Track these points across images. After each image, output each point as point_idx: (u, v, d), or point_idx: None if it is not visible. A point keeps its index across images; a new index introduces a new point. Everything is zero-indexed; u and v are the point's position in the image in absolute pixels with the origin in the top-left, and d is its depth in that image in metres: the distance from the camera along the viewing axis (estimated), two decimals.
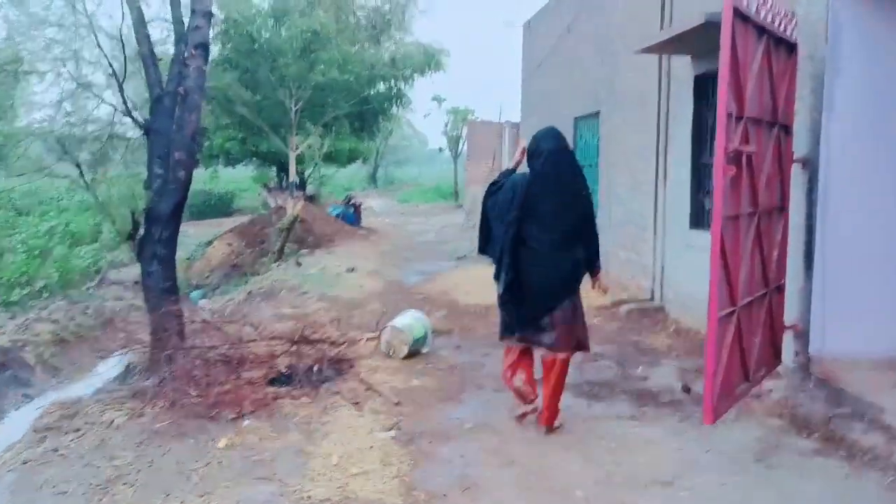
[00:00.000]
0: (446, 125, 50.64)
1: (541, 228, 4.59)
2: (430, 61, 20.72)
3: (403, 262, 14.65)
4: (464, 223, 24.47)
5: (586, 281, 4.94)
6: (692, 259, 7.50)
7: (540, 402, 4.87)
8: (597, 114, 10.88)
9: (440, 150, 53.93)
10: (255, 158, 36.28)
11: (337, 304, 10.05)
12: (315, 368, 6.07)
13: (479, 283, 9.75)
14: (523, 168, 4.89)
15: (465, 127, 43.45)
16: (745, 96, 4.35)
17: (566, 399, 5.37)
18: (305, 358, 6.29)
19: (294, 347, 6.37)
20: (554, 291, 4.65)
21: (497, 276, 4.85)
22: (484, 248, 5.07)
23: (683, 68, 7.73)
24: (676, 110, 7.97)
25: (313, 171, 29.14)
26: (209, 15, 9.20)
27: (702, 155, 7.50)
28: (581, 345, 4.82)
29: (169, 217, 9.17)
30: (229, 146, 29.88)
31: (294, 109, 19.65)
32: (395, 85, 21.39)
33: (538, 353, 4.82)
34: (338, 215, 22.78)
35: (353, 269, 13.07)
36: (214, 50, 19.12)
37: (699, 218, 7.55)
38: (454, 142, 50.77)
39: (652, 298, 8.55)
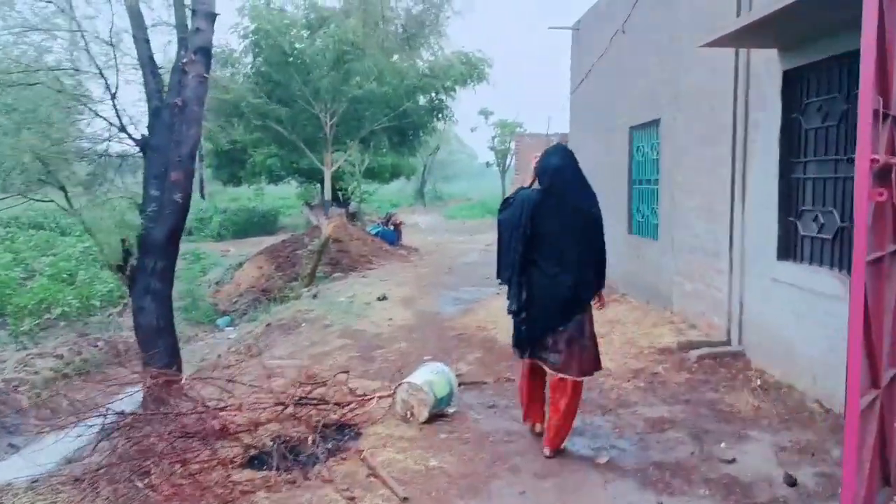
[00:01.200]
0: (493, 139, 49.58)
1: (548, 247, 4.57)
2: (471, 72, 19.54)
3: (441, 288, 13.40)
4: None
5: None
6: (780, 296, 6.09)
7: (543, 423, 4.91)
8: (656, 122, 9.50)
9: (487, 164, 52.80)
10: (297, 175, 35.79)
11: (360, 340, 8.85)
12: (310, 439, 4.85)
13: None
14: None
15: (512, 141, 42.25)
16: (895, 88, 3.00)
17: (630, 494, 4.06)
18: (300, 423, 5.08)
19: (287, 410, 5.15)
20: (560, 310, 4.63)
21: (509, 294, 4.85)
22: (500, 272, 4.96)
23: (767, 64, 6.34)
24: (758, 115, 6.57)
25: (355, 188, 28.19)
26: (212, 16, 8.13)
27: (793, 169, 6.08)
28: (590, 368, 4.75)
29: (164, 245, 8.11)
30: (270, 163, 29.18)
31: (329, 124, 18.66)
32: (436, 97, 20.25)
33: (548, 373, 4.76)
34: (377, 234, 21.68)
35: (384, 298, 11.90)
36: (245, 63, 18.28)
37: (789, 246, 6.13)
38: (502, 156, 49.59)
39: (728, 341, 7.12)
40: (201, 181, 46.67)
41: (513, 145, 40.77)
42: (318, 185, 32.93)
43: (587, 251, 4.71)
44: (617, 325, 8.62)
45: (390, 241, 21.45)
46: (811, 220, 5.82)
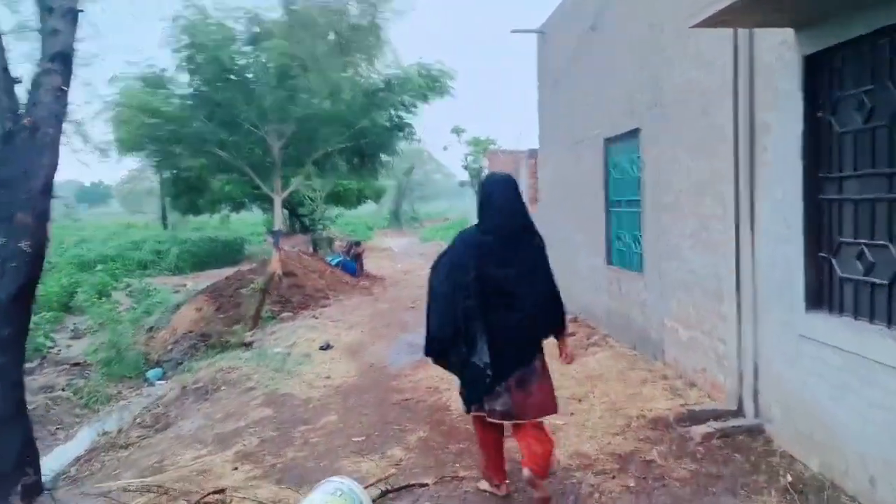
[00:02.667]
0: (467, 157, 48.14)
1: (499, 290, 4.18)
2: (432, 84, 17.97)
3: (398, 329, 11.74)
4: None
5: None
6: (812, 359, 4.50)
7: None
8: (635, 133, 7.96)
9: (461, 184, 51.29)
10: (259, 202, 34.04)
11: (283, 410, 7.19)
12: None
13: None
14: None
15: (485, 158, 40.83)
16: None
17: None
18: None
19: None
20: (520, 356, 4.26)
21: (453, 352, 4.34)
22: (433, 340, 4.49)
23: (780, 48, 4.80)
24: (768, 117, 5.02)
25: (317, 214, 26.52)
26: (73, 14, 6.44)
27: (822, 187, 4.52)
28: (546, 410, 4.31)
29: (7, 308, 6.37)
30: (229, 190, 27.49)
31: (277, 147, 17.00)
32: (395, 114, 18.64)
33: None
34: (337, 265, 20.01)
35: (328, 347, 10.24)
36: (181, 83, 16.62)
37: (822, 292, 4.55)
38: (476, 174, 48.13)
39: (739, 411, 5.51)
40: (163, 210, 44.91)
41: (486, 163, 39.27)
42: (287, 211, 31.35)
43: (540, 288, 4.30)
44: (598, 383, 7.00)
45: (352, 273, 19.79)
46: (853, 258, 4.24)
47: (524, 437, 4.23)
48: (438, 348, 4.42)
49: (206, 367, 9.62)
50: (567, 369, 7.63)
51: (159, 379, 13.00)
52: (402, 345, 10.29)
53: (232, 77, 16.22)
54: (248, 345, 12.47)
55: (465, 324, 4.17)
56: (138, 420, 8.65)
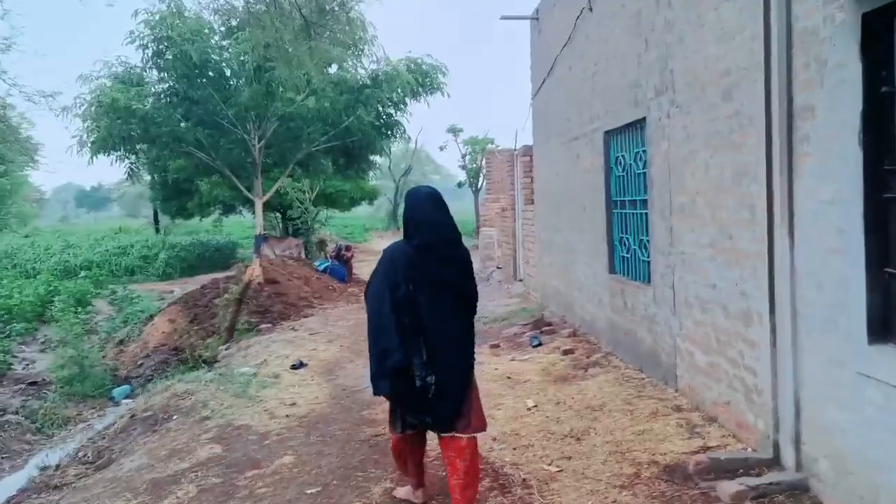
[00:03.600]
0: (464, 157, 47.12)
1: (431, 305, 4.09)
2: (423, 80, 16.96)
3: None
4: (479, 271, 20.56)
5: None
6: (880, 405, 3.48)
7: None
8: (640, 123, 6.95)
9: (459, 184, 50.30)
10: (249, 205, 33.06)
11: (235, 448, 6.19)
12: None
13: None
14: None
15: (483, 158, 39.84)
16: None
17: None
18: None
19: None
20: (460, 372, 4.21)
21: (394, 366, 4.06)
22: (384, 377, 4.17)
23: (827, 8, 3.78)
24: (811, 98, 4.00)
25: (306, 216, 25.50)
26: None
27: (887, 182, 3.50)
28: (480, 424, 4.29)
29: None
30: (217, 193, 26.47)
31: (257, 147, 16.01)
32: (384, 111, 17.64)
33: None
34: (324, 270, 18.99)
35: (300, 365, 9.25)
36: (152, 76, 15.62)
37: (890, 321, 3.53)
38: (474, 175, 47.12)
39: (777, 460, 4.49)
40: (155, 215, 43.85)
41: (483, 163, 38.29)
42: (279, 213, 30.33)
43: (471, 300, 4.35)
44: (600, 415, 5.98)
45: (340, 279, 18.76)
46: None
47: (452, 454, 4.20)
48: (391, 378, 4.10)
49: (161, 391, 8.58)
50: (564, 396, 6.63)
51: (126, 397, 12.02)
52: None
53: (208, 73, 15.23)
54: (211, 363, 11.47)
55: (406, 343, 4.05)
56: (80, 454, 7.65)
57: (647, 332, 6.83)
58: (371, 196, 33.67)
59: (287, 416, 7.05)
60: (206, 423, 7.06)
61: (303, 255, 23.67)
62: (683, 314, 5.96)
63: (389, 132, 18.53)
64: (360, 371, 8.82)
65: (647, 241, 6.90)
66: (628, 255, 7.59)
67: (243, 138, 15.87)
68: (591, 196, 8.54)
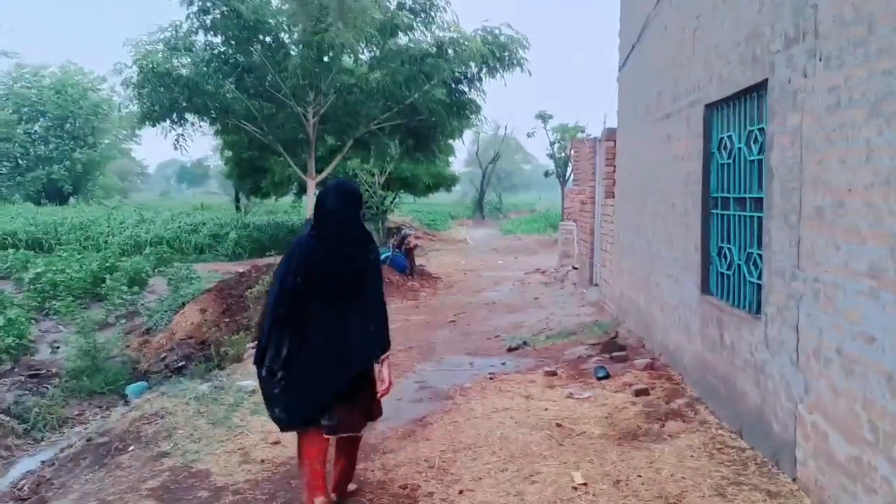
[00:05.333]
0: (553, 145, 44.77)
1: (324, 301, 4.06)
2: (500, 53, 15.05)
3: (418, 356, 9.03)
4: (556, 269, 18.58)
5: None
6: None
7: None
8: (758, 90, 4.94)
9: (546, 174, 47.94)
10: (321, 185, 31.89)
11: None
12: None
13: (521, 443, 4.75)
14: None
15: (571, 147, 37.58)
16: None
17: None
18: None
19: None
20: (342, 373, 4.12)
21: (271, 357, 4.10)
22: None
23: None
24: None
25: (373, 201, 23.98)
26: None
27: None
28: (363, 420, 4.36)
29: None
30: (291, 172, 25.34)
31: (311, 122, 14.51)
32: (456, 87, 15.82)
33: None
34: (384, 260, 17.41)
35: None
36: (200, 40, 14.30)
37: None
38: (562, 164, 44.76)
39: None
40: (236, 193, 43.40)
41: (571, 152, 36.07)
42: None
43: (369, 302, 4.20)
44: None
45: (400, 270, 17.14)
46: None
47: (340, 457, 4.37)
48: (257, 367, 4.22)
49: (128, 411, 7.12)
50: (629, 470, 4.70)
51: (138, 396, 10.73)
52: (412, 385, 7.55)
53: (260, 37, 13.79)
54: (234, 361, 10.05)
55: (272, 332, 4.07)
56: (21, 484, 6.24)
57: (753, 385, 4.83)
58: (449, 182, 31.87)
59: (263, 461, 5.41)
60: (159, 463, 5.50)
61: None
62: (813, 372, 3.96)
63: (463, 112, 16.67)
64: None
65: (760, 256, 4.90)
66: (730, 273, 5.58)
67: (297, 112, 14.38)
68: (683, 190, 6.54)
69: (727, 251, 5.65)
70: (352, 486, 4.57)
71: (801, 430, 4.11)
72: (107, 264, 20.73)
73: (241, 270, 23.47)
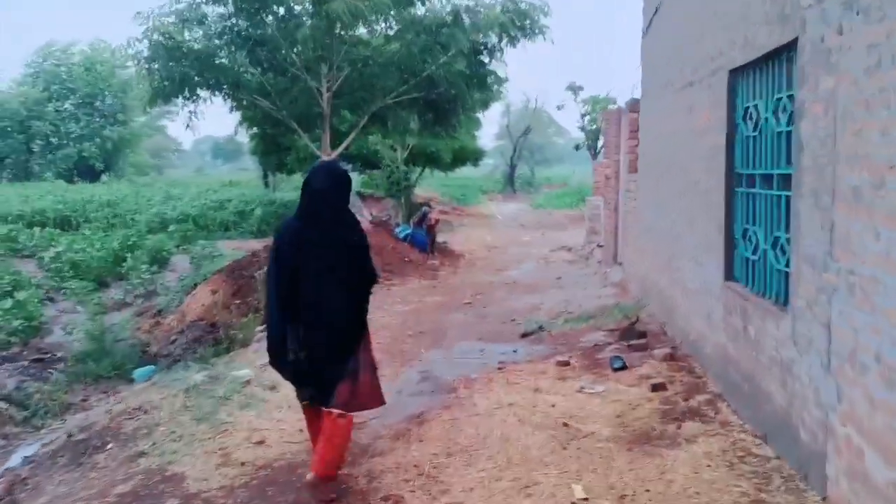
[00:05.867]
0: (583, 117, 43.78)
1: (312, 282, 4.17)
2: (520, 21, 14.39)
3: (427, 341, 8.61)
4: (582, 246, 18.00)
5: None
6: None
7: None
8: (788, 50, 4.34)
9: (577, 147, 46.96)
10: (351, 162, 31.43)
11: None
12: None
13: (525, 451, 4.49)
14: None
15: (602, 119, 36.65)
16: None
17: None
18: None
19: None
20: (335, 350, 4.25)
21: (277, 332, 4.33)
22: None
23: None
24: None
25: (395, 176, 23.46)
26: None
27: None
28: (362, 403, 4.42)
29: None
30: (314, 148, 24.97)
31: (326, 96, 14.05)
32: (476, 58, 15.20)
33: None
34: (405, 238, 16.98)
35: None
36: (213, 16, 13.86)
37: None
38: (593, 137, 43.78)
39: None
40: (264, 170, 43.10)
41: (602, 125, 35.13)
42: (376, 172, 28.53)
43: (356, 285, 4.32)
44: None
45: (421, 248, 16.70)
46: None
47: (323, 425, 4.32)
48: (269, 351, 4.47)
49: (111, 405, 6.80)
50: (637, 483, 4.18)
51: (148, 379, 10.46)
52: (415, 375, 7.11)
53: (273, 8, 13.32)
54: (243, 346, 9.72)
55: (282, 317, 4.20)
56: None
57: (779, 386, 4.29)
58: (476, 156, 31.23)
59: (243, 463, 5.02)
60: (135, 464, 5.15)
61: (398, 219, 21.80)
62: (846, 377, 3.42)
63: (484, 84, 16.06)
64: (390, 379, 6.70)
65: (788, 241, 4.33)
66: (756, 258, 5.01)
67: (311, 86, 13.91)
68: (706, 166, 5.96)
69: (753, 234, 5.07)
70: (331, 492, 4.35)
71: (833, 442, 3.58)
72: (129, 243, 20.59)
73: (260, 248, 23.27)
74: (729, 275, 5.45)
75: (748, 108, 5.17)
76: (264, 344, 9.25)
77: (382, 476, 4.58)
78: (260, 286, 11.65)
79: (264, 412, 6.06)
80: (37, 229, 24.90)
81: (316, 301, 4.17)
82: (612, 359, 6.66)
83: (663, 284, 7.82)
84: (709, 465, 4.31)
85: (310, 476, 4.37)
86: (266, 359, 7.86)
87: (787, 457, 4.17)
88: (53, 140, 46.02)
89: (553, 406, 5.69)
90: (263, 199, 32.70)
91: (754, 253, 5.03)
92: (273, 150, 31.09)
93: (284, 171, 34.37)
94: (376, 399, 4.51)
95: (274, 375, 7.11)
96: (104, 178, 49.39)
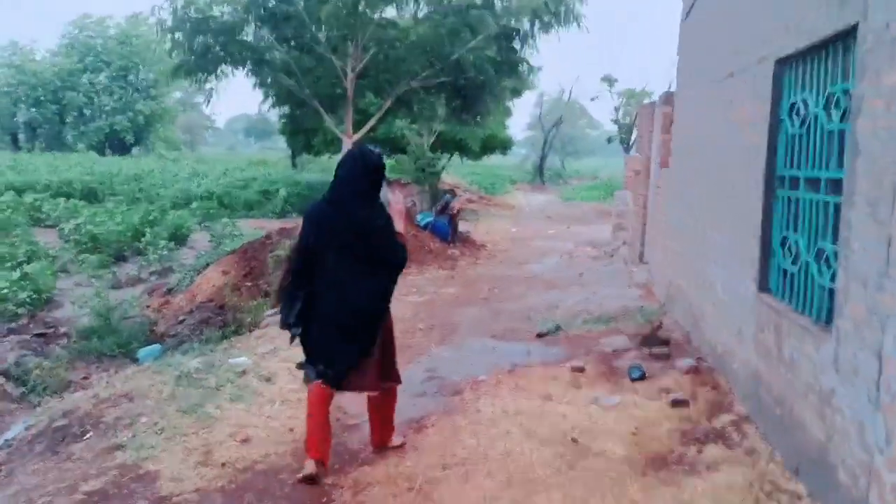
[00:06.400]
0: (617, 110, 42.99)
1: (334, 259, 4.29)
2: (554, 7, 13.86)
3: (438, 337, 8.21)
4: (608, 242, 17.43)
5: None
6: None
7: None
8: (845, 38, 3.83)
9: (609, 140, 46.12)
10: (376, 144, 31.01)
11: None
12: None
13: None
14: None
15: (636, 112, 35.84)
16: None
17: None
18: None
19: None
20: (355, 330, 4.36)
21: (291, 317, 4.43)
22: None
23: None
24: None
25: (421, 163, 23.02)
26: None
27: None
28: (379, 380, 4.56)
29: None
30: (341, 129, 24.65)
31: (350, 77, 13.65)
32: (507, 45, 14.69)
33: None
34: (426, 226, 16.55)
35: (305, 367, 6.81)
36: None
37: None
38: (627, 130, 42.98)
39: None
40: (292, 150, 42.84)
41: (637, 118, 34.40)
42: (403, 157, 28.09)
43: (377, 267, 4.37)
44: None
45: (442, 237, 16.26)
46: None
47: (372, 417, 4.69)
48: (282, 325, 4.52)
49: (103, 387, 6.46)
50: None
51: (152, 359, 10.16)
52: (420, 373, 6.71)
53: None
54: (251, 329, 9.39)
55: (293, 291, 4.37)
56: None
57: (816, 417, 3.82)
58: (505, 145, 30.67)
59: (224, 464, 4.66)
60: (111, 457, 4.81)
61: (422, 206, 21.34)
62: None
63: (514, 71, 15.54)
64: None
65: (835, 254, 3.84)
66: (795, 270, 4.51)
67: (335, 66, 13.52)
68: (744, 165, 5.45)
69: (793, 243, 4.58)
70: (397, 441, 4.78)
71: (877, 489, 3.11)
72: (149, 218, 20.40)
73: (286, 228, 22.98)
74: (763, 286, 4.96)
75: (795, 102, 4.66)
76: (271, 329, 9.02)
77: (369, 489, 4.20)
78: (271, 268, 11.33)
79: (254, 406, 5.69)
80: (62, 200, 24.89)
81: (336, 281, 4.27)
82: (631, 368, 6.20)
83: (689, 290, 7.33)
84: (732, 497, 3.86)
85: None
86: (268, 347, 7.65)
87: (822, 498, 3.70)
88: (87, 112, 46.27)
89: (563, 417, 5.27)
90: (289, 179, 32.43)
91: (794, 264, 4.54)
92: (300, 131, 30.85)
93: (312, 151, 34.12)
94: (397, 377, 4.73)
95: (272, 365, 6.83)
96: (134, 151, 49.64)
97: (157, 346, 10.60)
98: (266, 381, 6.29)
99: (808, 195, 4.40)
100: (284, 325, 4.46)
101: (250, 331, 9.54)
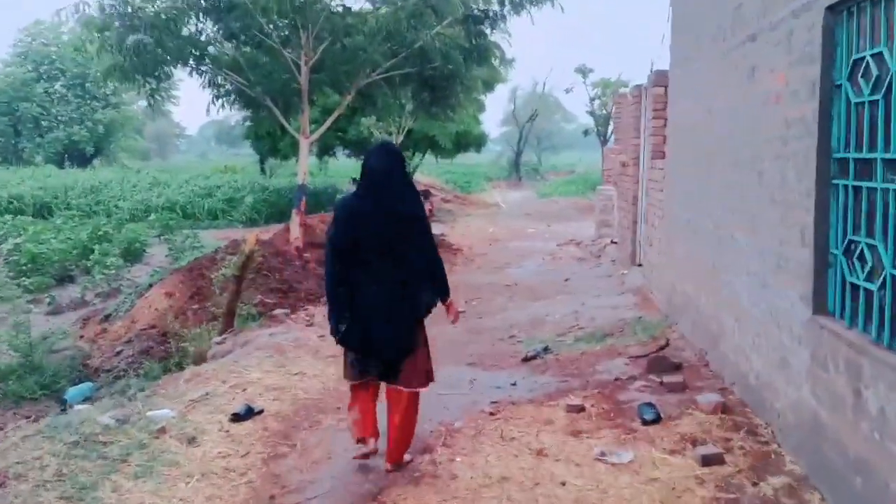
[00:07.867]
0: (592, 102, 41.94)
1: (372, 256, 4.26)
2: None
3: None
4: (592, 241, 16.27)
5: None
6: None
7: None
8: None
9: (585, 133, 45.09)
10: (346, 146, 29.72)
11: None
12: None
13: None
14: None
15: (612, 103, 34.78)
16: None
17: None
18: None
19: None
20: (395, 324, 4.29)
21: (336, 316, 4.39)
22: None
23: None
24: None
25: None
26: None
27: None
28: (422, 381, 4.46)
29: None
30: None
31: (304, 70, 12.36)
32: (476, 28, 13.47)
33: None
34: None
35: (246, 414, 5.57)
36: None
37: None
38: (603, 122, 41.94)
39: None
40: (261, 156, 41.27)
41: (614, 109, 33.38)
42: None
43: (416, 259, 4.32)
44: None
45: None
46: None
47: (390, 403, 4.41)
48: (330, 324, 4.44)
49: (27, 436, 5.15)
50: None
51: (82, 401, 8.82)
52: (382, 421, 5.44)
53: None
54: (197, 362, 8.09)
55: (333, 289, 4.34)
56: None
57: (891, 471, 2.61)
58: (479, 142, 29.47)
59: None
60: None
61: None
62: None
63: (484, 58, 14.31)
64: (333, 438, 5.06)
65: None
66: (871, 286, 3.31)
67: (287, 59, 12.23)
68: (779, 148, 4.25)
69: (866, 248, 3.38)
70: (407, 457, 4.52)
71: None
72: (100, 233, 18.95)
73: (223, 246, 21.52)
74: (820, 307, 3.76)
75: (858, 61, 3.46)
76: (215, 362, 7.75)
77: None
78: (217, 289, 10.00)
79: (165, 485, 4.39)
80: (9, 217, 23.34)
81: (366, 277, 4.24)
82: (642, 407, 4.98)
83: (703, 302, 6.13)
84: None
85: (388, 467, 4.42)
86: (200, 391, 6.39)
87: None
88: (43, 123, 44.38)
89: (563, 485, 4.05)
90: (256, 185, 30.98)
91: (868, 279, 3.34)
92: (265, 134, 29.51)
93: (278, 156, 32.76)
94: (421, 380, 4.47)
95: (200, 419, 5.53)
96: (95, 162, 47.82)
97: (87, 385, 9.30)
98: (188, 444, 5.00)
99: (887, 185, 3.20)
100: (336, 332, 4.36)
101: (203, 359, 8.26)
